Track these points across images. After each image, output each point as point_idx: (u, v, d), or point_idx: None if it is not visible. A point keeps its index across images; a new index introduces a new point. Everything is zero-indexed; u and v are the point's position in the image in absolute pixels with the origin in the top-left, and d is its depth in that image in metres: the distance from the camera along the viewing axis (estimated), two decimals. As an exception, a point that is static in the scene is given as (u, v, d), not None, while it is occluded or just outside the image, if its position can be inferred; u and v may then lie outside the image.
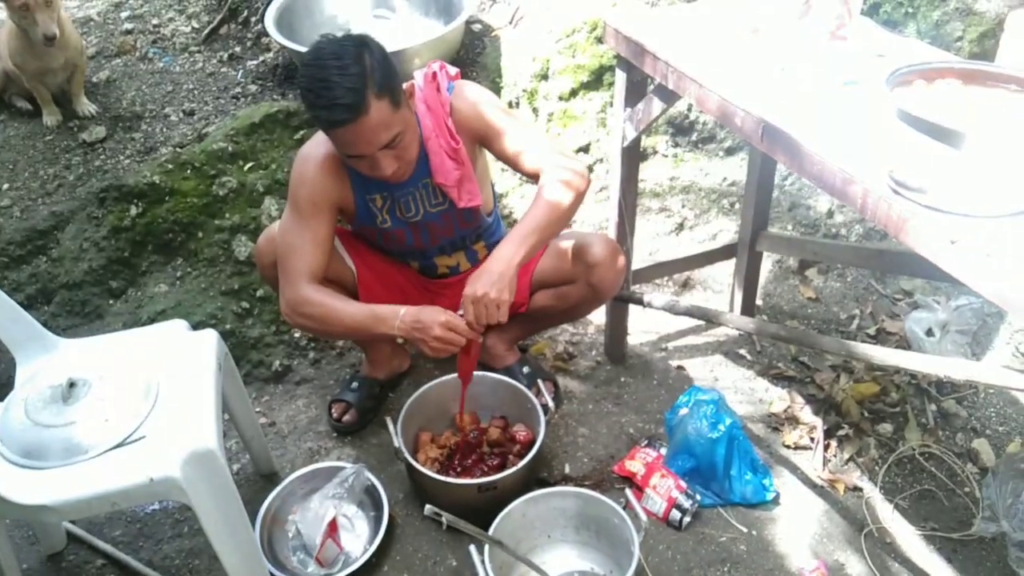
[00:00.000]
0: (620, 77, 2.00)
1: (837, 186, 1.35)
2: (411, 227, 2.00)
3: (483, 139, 1.90)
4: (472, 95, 1.89)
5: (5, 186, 2.60)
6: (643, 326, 2.60)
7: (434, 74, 1.86)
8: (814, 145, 1.40)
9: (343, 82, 1.60)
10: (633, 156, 2.13)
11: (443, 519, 1.64)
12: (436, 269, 2.14)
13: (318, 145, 1.87)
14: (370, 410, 2.29)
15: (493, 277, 1.67)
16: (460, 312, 1.74)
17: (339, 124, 1.64)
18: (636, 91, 2.00)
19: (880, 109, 1.44)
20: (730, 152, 2.96)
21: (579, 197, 1.79)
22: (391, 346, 2.35)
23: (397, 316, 1.75)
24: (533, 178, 1.87)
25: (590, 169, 2.88)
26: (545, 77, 2.92)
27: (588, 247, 2.01)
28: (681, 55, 1.74)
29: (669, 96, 1.83)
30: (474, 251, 2.14)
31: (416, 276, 2.17)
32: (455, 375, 2.16)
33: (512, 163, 1.91)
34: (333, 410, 2.27)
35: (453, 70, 1.91)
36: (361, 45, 1.67)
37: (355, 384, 2.30)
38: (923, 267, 1.95)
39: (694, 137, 2.95)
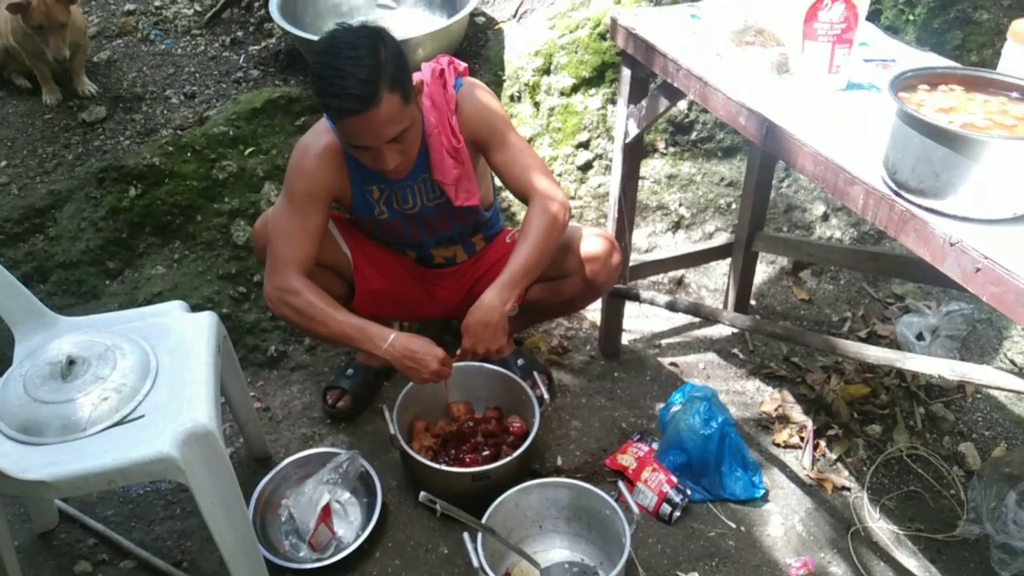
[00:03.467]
0: (624, 74, 2.01)
1: (839, 186, 1.37)
2: (408, 219, 2.00)
3: (482, 146, 1.91)
4: (480, 99, 1.89)
5: (3, 163, 2.59)
6: (637, 322, 2.62)
7: (442, 70, 1.86)
8: (817, 145, 1.42)
9: (356, 72, 1.60)
10: (634, 153, 2.14)
11: (437, 506, 1.66)
12: (433, 259, 2.15)
13: (318, 135, 1.87)
14: (365, 397, 2.30)
15: (489, 331, 1.82)
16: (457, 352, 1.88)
17: (348, 114, 1.64)
18: (640, 88, 2.02)
19: (882, 112, 1.46)
20: (728, 152, 2.98)
21: (563, 230, 1.89)
22: None
23: (386, 340, 1.79)
24: (520, 197, 1.93)
25: (589, 165, 2.90)
26: (547, 71, 2.93)
27: (584, 241, 2.02)
28: (687, 53, 1.76)
29: (674, 94, 1.84)
30: (472, 243, 2.15)
31: (412, 265, 2.17)
32: (451, 365, 2.19)
33: (503, 176, 1.93)
34: (328, 396, 2.28)
35: (462, 65, 1.91)
36: (376, 37, 1.67)
37: (350, 371, 2.31)
38: (918, 271, 1.98)
39: (693, 136, 2.97)
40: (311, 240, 1.86)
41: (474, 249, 2.16)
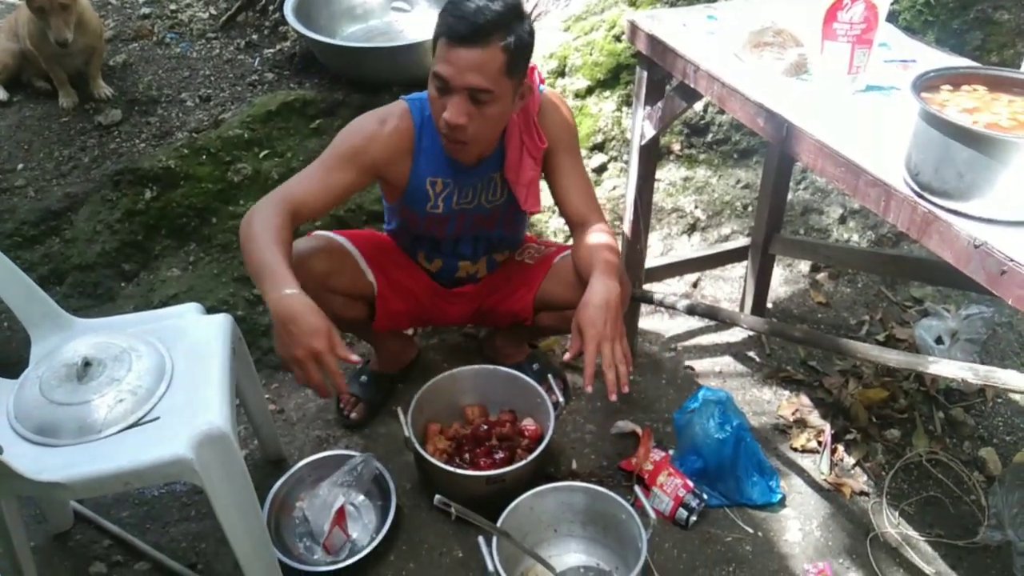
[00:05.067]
0: (640, 75, 2.00)
1: (860, 188, 1.36)
2: (458, 215, 1.95)
3: (552, 157, 1.89)
4: (563, 111, 1.90)
5: (20, 166, 2.61)
6: (652, 325, 2.61)
7: (533, 67, 1.81)
8: (837, 146, 1.40)
9: (484, 10, 1.59)
10: (650, 155, 2.13)
11: (452, 509, 1.65)
12: (456, 272, 2.11)
13: (392, 114, 1.83)
14: (379, 404, 2.29)
15: (611, 314, 1.63)
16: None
17: (452, 35, 1.60)
18: (656, 90, 2.01)
19: (904, 113, 1.44)
20: (744, 154, 2.96)
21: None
22: (400, 341, 2.34)
23: (279, 291, 1.51)
24: (572, 217, 1.91)
25: (604, 168, 2.89)
26: (562, 74, 2.92)
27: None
28: (704, 54, 1.75)
29: (691, 95, 1.83)
30: (495, 260, 2.13)
31: (429, 283, 2.12)
32: (465, 367, 2.18)
33: (562, 194, 1.91)
34: (341, 401, 2.27)
35: (544, 73, 1.90)
36: (519, 10, 1.66)
37: (364, 378, 2.29)
38: (938, 274, 1.96)
39: (709, 138, 2.96)
40: (323, 188, 1.75)
41: (496, 265, 2.15)
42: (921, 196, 1.26)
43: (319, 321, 1.51)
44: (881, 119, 1.49)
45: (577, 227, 1.91)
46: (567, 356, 1.69)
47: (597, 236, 1.83)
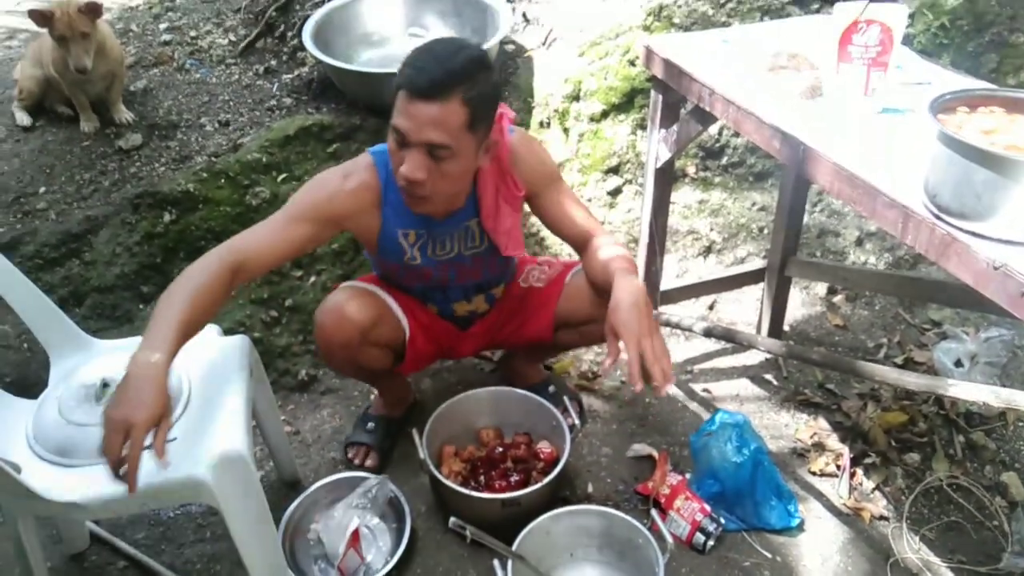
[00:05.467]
0: (655, 98, 2.01)
1: (877, 210, 1.35)
2: (439, 265, 1.92)
3: (535, 195, 1.87)
4: (536, 149, 1.87)
5: (42, 189, 2.64)
6: (668, 348, 2.59)
7: (501, 114, 1.76)
8: (854, 169, 1.40)
9: (446, 63, 1.53)
10: (665, 177, 2.14)
11: (468, 532, 1.64)
12: (454, 313, 2.07)
13: (358, 168, 1.79)
14: (389, 448, 2.22)
15: (645, 311, 1.58)
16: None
17: (410, 88, 1.54)
18: (671, 113, 2.02)
19: (920, 135, 1.45)
20: (760, 177, 2.96)
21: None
22: (403, 381, 2.29)
23: (147, 354, 1.39)
24: (574, 239, 1.89)
25: (619, 191, 2.90)
26: (577, 98, 2.94)
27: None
28: (719, 78, 1.75)
29: (706, 118, 1.84)
30: (492, 295, 2.09)
31: (446, 324, 2.08)
32: (480, 389, 2.18)
33: (556, 222, 1.89)
34: (350, 453, 2.20)
35: (512, 112, 1.87)
36: (483, 59, 1.60)
37: (371, 424, 2.22)
38: (957, 296, 1.95)
39: (724, 161, 2.96)
40: (278, 242, 1.66)
41: (494, 299, 2.11)
42: (939, 218, 1.25)
43: (157, 401, 1.37)
44: (897, 141, 1.49)
45: (581, 245, 1.89)
46: (607, 362, 1.59)
47: (605, 245, 1.82)
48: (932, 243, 1.26)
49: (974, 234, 1.21)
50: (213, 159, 2.68)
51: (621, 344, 1.57)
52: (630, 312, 1.57)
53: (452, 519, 1.64)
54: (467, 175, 1.71)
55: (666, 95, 1.98)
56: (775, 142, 1.58)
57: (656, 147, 2.05)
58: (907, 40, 2.82)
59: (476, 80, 1.56)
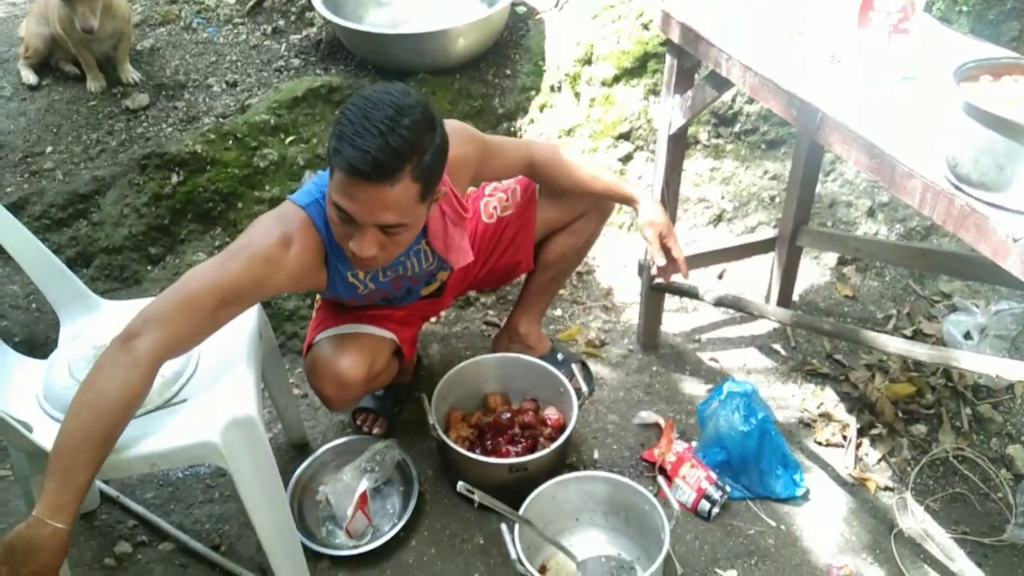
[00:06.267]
0: (670, 63, 1.98)
1: (895, 180, 1.33)
2: (395, 280, 1.82)
3: (477, 177, 1.86)
4: (465, 148, 1.73)
5: (49, 149, 2.63)
6: (677, 316, 2.59)
7: None
8: (872, 137, 1.38)
9: (389, 139, 1.37)
10: (679, 144, 2.11)
11: (476, 496, 1.65)
12: (422, 296, 1.98)
13: (299, 231, 1.57)
14: (397, 415, 2.22)
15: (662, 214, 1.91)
16: None
17: (355, 174, 1.39)
18: (685, 78, 1.98)
19: (941, 104, 1.42)
20: (772, 145, 2.93)
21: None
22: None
23: (48, 519, 1.26)
24: (523, 170, 1.94)
25: (630, 157, 2.87)
26: (588, 62, 2.90)
27: (589, 181, 1.98)
28: (736, 43, 1.72)
29: (721, 84, 1.81)
30: (447, 265, 1.95)
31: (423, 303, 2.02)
32: (488, 355, 2.18)
33: (505, 174, 1.96)
34: (358, 419, 2.20)
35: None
36: (429, 120, 1.44)
37: (379, 391, 2.20)
38: (970, 268, 1.93)
39: (737, 128, 2.92)
40: (207, 329, 1.48)
41: (451, 269, 1.97)
42: (959, 188, 1.23)
43: (37, 543, 1.26)
44: (917, 110, 1.47)
45: (527, 166, 1.93)
46: (657, 269, 1.95)
47: (576, 165, 1.96)
48: (950, 214, 1.24)
49: (994, 205, 1.19)
50: (221, 120, 2.66)
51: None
52: (666, 223, 1.91)
53: (460, 483, 1.65)
54: (418, 230, 1.60)
55: (681, 60, 1.95)
56: (792, 109, 1.55)
57: (670, 113, 2.02)
58: (926, 7, 2.77)
59: (423, 148, 1.43)
